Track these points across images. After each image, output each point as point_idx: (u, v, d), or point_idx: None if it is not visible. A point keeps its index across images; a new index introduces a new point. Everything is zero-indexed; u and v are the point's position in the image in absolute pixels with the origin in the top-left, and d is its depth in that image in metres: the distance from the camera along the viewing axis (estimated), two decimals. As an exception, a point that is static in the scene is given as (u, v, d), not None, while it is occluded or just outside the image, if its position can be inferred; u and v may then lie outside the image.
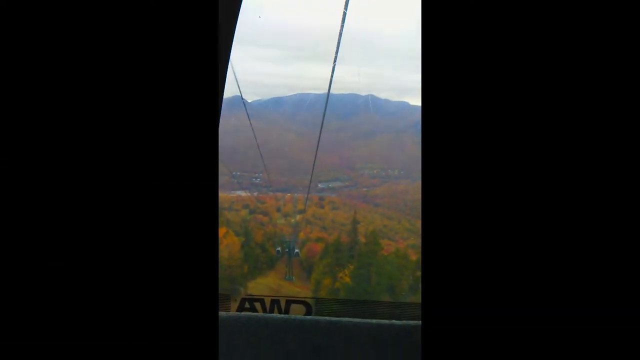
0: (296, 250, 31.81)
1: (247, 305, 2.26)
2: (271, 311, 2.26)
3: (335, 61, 5.55)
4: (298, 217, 41.81)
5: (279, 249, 31.62)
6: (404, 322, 2.06)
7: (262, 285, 28.57)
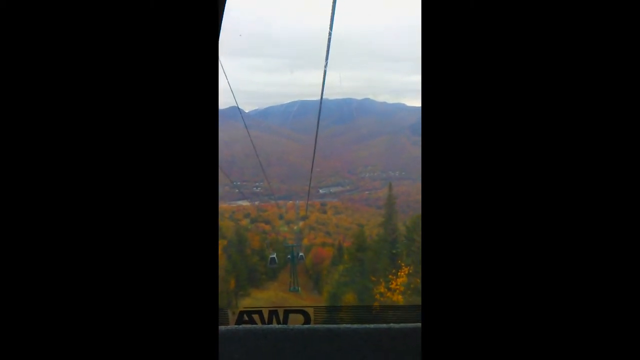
0: (300, 254, 26.55)
1: (245, 317, 2.24)
2: (270, 322, 2.23)
3: (326, 67, 5.46)
4: (301, 223, 41.85)
5: (274, 256, 25.18)
6: (402, 324, 1.99)
7: (262, 301, 22.73)
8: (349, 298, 15.85)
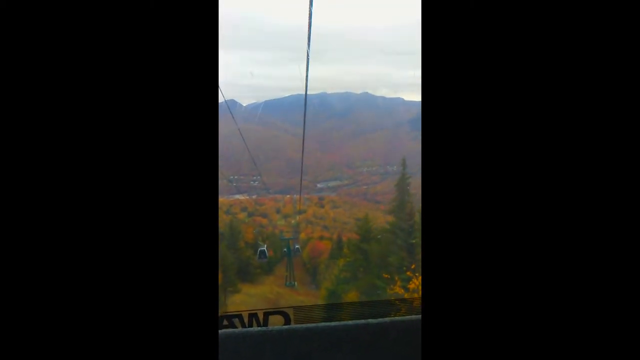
0: (297, 246, 24.52)
1: (225, 322, 2.24)
2: (250, 325, 2.23)
3: (308, 59, 5.27)
4: (298, 217, 42.06)
5: (264, 248, 21.56)
6: (380, 319, 2.03)
7: (255, 297, 19.99)
8: (352, 298, 13.43)
